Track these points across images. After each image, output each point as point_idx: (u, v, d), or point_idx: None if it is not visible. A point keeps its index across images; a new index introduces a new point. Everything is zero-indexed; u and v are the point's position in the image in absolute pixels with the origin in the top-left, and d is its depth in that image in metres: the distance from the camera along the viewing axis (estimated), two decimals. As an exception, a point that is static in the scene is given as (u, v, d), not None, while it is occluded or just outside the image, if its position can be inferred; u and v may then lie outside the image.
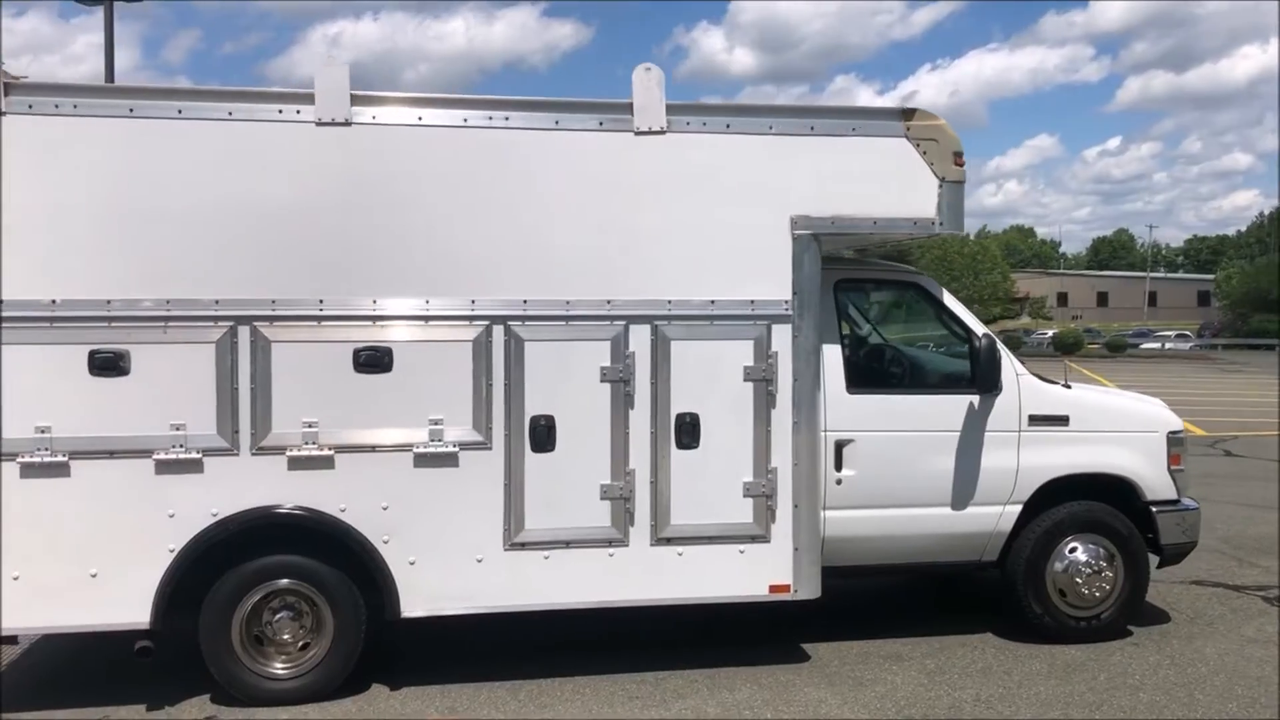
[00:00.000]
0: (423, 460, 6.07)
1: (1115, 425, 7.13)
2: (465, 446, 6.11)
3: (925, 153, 6.48)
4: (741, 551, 6.40)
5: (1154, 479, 7.11)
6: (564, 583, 6.24)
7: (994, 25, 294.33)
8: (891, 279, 7.31)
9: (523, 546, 6.18)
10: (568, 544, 6.23)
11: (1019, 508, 6.93)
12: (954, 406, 6.82)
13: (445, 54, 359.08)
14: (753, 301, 6.35)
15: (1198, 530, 7.37)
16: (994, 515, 6.90)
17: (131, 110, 5.80)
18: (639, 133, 6.22)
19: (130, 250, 5.81)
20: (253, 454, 5.92)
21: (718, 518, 6.36)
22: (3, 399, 5.70)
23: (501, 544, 6.16)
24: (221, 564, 6.00)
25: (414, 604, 6.11)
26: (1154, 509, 7.13)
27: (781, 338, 6.38)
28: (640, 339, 6.26)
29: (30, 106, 5.70)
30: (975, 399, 6.85)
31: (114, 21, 25.23)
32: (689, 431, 6.30)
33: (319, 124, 5.94)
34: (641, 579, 6.31)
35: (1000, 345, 6.89)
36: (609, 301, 6.22)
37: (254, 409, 5.92)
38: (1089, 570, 6.98)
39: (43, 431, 5.73)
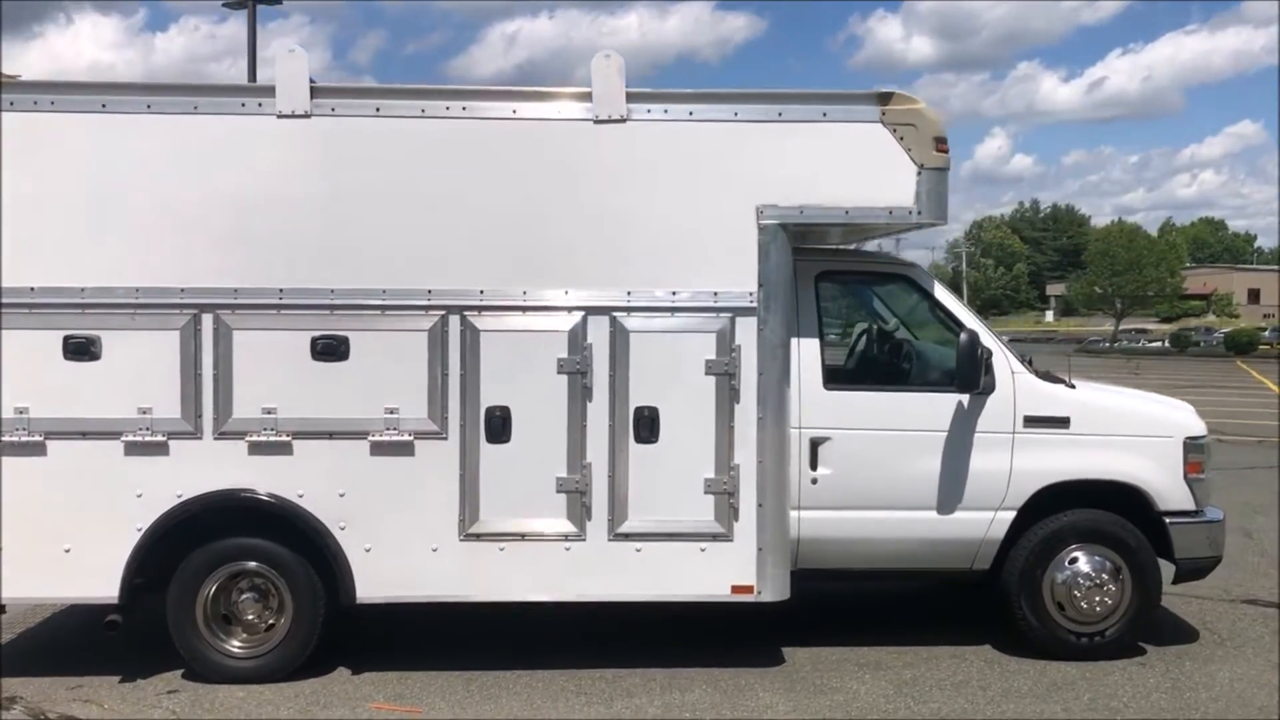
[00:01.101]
0: (379, 449, 6.13)
1: (1123, 429, 6.64)
2: (421, 436, 6.14)
3: (902, 139, 6.17)
4: (703, 550, 6.24)
5: (1167, 487, 6.60)
6: (519, 576, 6.21)
7: (1192, 6, 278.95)
8: (878, 271, 7.00)
9: (478, 538, 6.18)
10: (523, 537, 6.19)
11: (1012, 514, 6.54)
12: (940, 405, 6.48)
13: (618, 49, 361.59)
14: (716, 293, 6.18)
15: (1221, 544, 6.83)
16: (984, 521, 6.53)
17: (104, 105, 6.03)
18: (599, 121, 6.13)
19: (103, 240, 6.05)
20: (215, 438, 6.09)
21: (677, 515, 6.22)
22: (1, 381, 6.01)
23: (457, 534, 6.16)
24: (188, 544, 6.19)
25: (369, 590, 6.18)
26: (1168, 520, 6.62)
27: (746, 331, 6.19)
28: (599, 330, 6.17)
29: (12, 104, 5.99)
30: (964, 398, 6.50)
31: (256, 24, 26.53)
32: (647, 425, 6.17)
33: (279, 116, 6.05)
34: (599, 575, 6.22)
35: (997, 342, 6.54)
36: (566, 292, 6.15)
37: (216, 394, 6.08)
38: (1089, 583, 6.53)
39: (21, 412, 6.02)
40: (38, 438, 6.03)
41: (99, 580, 6.06)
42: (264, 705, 5.88)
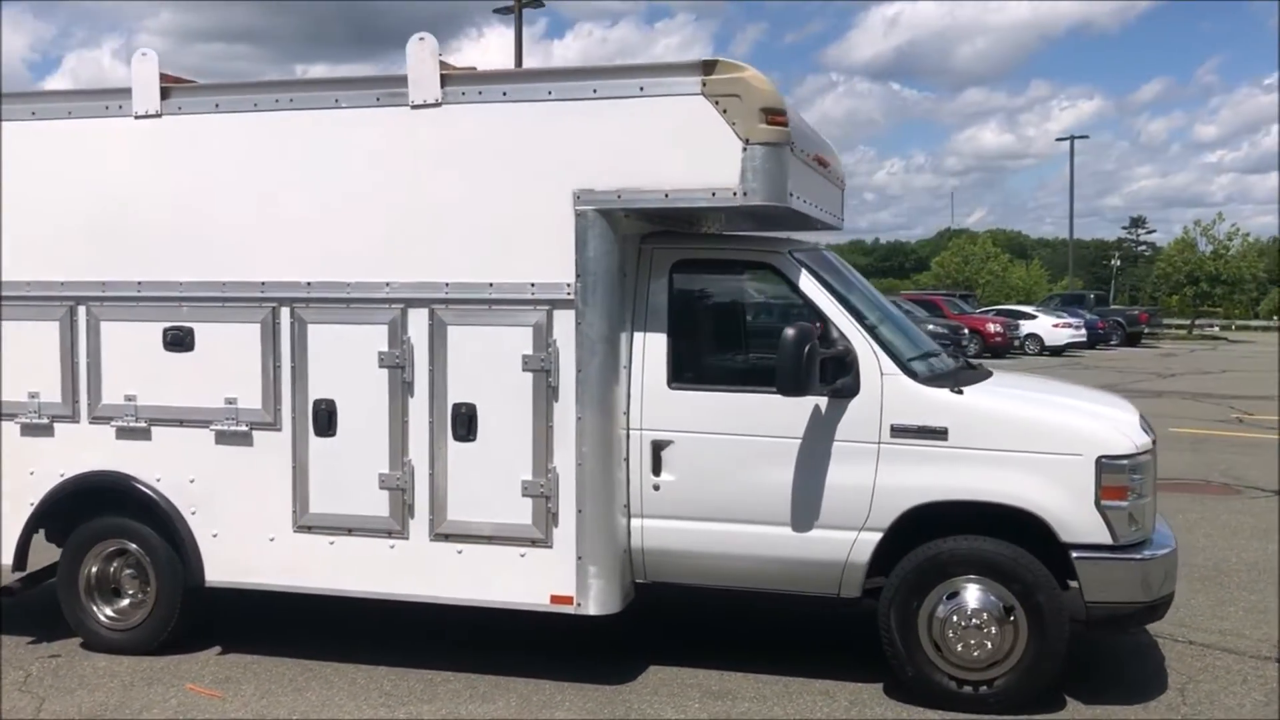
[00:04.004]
0: (222, 438, 6.29)
1: (1013, 443, 5.58)
2: (257, 426, 6.24)
3: (725, 111, 5.52)
4: (522, 555, 5.92)
5: (1070, 514, 5.49)
6: (347, 569, 6.17)
7: None
8: (740, 259, 6.25)
9: (309, 529, 6.20)
10: (350, 531, 6.15)
11: (877, 536, 5.69)
12: (794, 409, 5.71)
13: (1005, 24, 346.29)
14: (533, 284, 5.82)
15: (1159, 587, 5.61)
16: (844, 543, 5.73)
17: (33, 114, 6.50)
18: (415, 106, 5.93)
19: (11, 238, 6.57)
20: (90, 422, 6.49)
21: (496, 517, 5.93)
22: None
23: (291, 525, 6.22)
24: (74, 520, 6.64)
25: (217, 574, 6.37)
26: (1073, 554, 5.51)
27: (564, 324, 5.79)
28: (418, 324, 5.99)
29: None
30: (822, 401, 5.72)
31: (523, 25, 27.75)
32: (465, 423, 5.93)
33: (136, 117, 6.33)
34: (421, 574, 6.07)
35: (865, 338, 5.70)
36: (387, 284, 6.02)
37: (89, 381, 6.48)
38: (966, 623, 5.57)
39: None
40: (-43, 418, 6.67)
41: (5, 549, 6.63)
42: (113, 675, 6.19)
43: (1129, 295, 79.27)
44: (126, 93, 6.33)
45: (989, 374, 6.49)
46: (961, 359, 6.72)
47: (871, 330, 5.83)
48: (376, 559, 6.11)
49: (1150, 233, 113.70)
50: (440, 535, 6.01)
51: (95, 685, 6.06)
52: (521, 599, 5.96)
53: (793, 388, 5.44)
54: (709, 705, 5.76)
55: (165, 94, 6.28)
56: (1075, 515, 5.49)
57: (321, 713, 5.70)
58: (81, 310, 6.47)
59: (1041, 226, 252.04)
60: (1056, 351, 37.39)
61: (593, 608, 5.85)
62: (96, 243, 6.41)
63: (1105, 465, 5.47)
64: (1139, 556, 5.54)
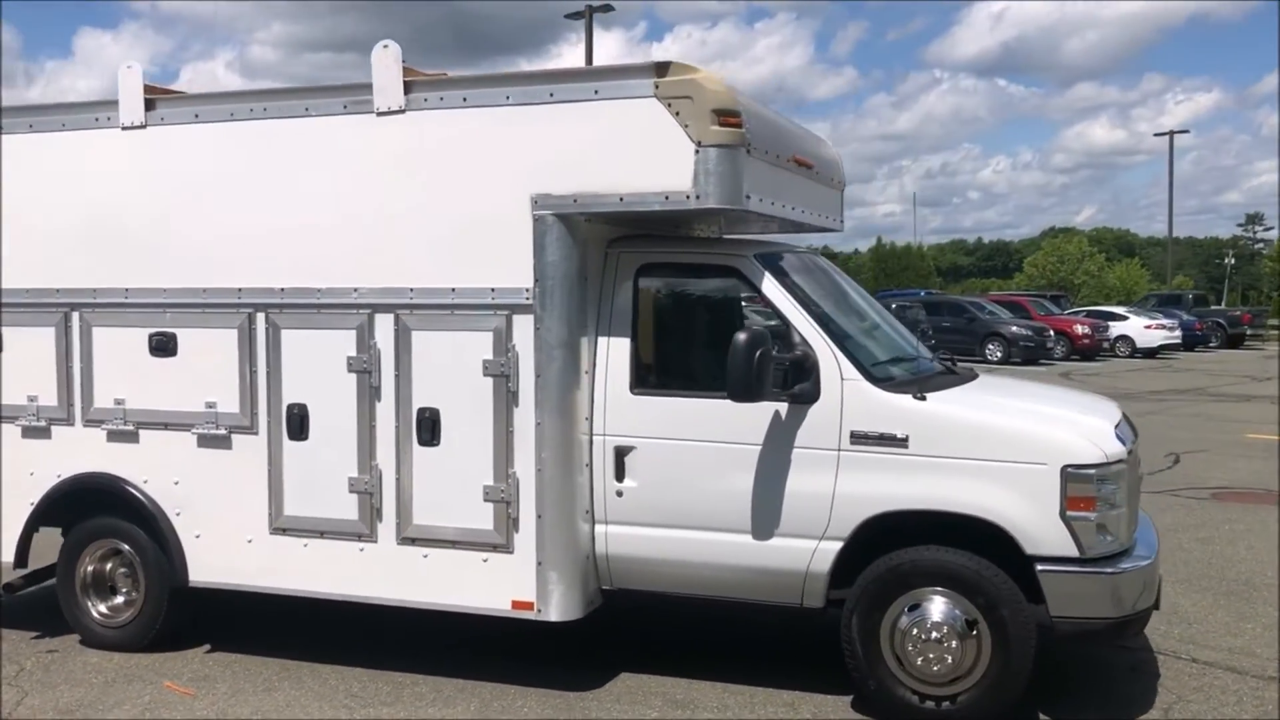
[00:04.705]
0: (203, 441, 6.43)
1: (975, 451, 5.39)
2: (235, 430, 6.35)
3: (678, 114, 5.45)
4: (485, 560, 5.92)
5: (1035, 525, 5.29)
6: (319, 571, 6.25)
7: None
8: (704, 263, 6.14)
9: (284, 531, 6.29)
10: (322, 534, 6.22)
11: (837, 545, 5.55)
12: (754, 415, 5.61)
13: (1118, 17, 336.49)
14: (493, 290, 5.82)
15: (1130, 601, 5.37)
16: (805, 551, 5.60)
17: (30, 126, 6.74)
18: (380, 113, 5.98)
19: (11, 246, 6.80)
20: (84, 425, 6.69)
21: (459, 521, 5.95)
22: None
23: (267, 527, 6.32)
24: (71, 519, 6.84)
25: (199, 575, 6.50)
26: (1038, 567, 5.31)
27: (523, 330, 5.78)
28: (385, 329, 6.04)
29: None
30: (782, 407, 5.61)
31: (593, 29, 27.86)
32: (429, 428, 5.96)
33: (123, 128, 6.50)
34: (389, 578, 6.11)
35: (827, 343, 5.57)
36: (355, 290, 6.08)
37: (83, 385, 6.67)
38: (927, 636, 5.40)
39: None
40: (-35, 420, 6.94)
41: (6, 546, 6.87)
42: (100, 672, 6.37)
43: (1242, 295, 76.32)
44: (114, 104, 6.51)
45: (970, 379, 6.31)
46: (944, 364, 6.51)
47: (835, 334, 5.69)
48: (347, 562, 6.17)
49: (1268, 230, 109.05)
50: (406, 539, 6.05)
51: (79, 681, 6.24)
52: (484, 604, 5.96)
53: (743, 393, 5.34)
54: (668, 713, 5.70)
55: (150, 105, 6.44)
56: (1039, 526, 5.29)
57: (284, 712, 5.78)
58: (75, 316, 6.67)
59: (1153, 225, 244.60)
60: (1149, 354, 36.19)
61: (553, 614, 5.82)
62: (88, 250, 6.60)
63: (1071, 475, 5.26)
64: (1109, 570, 5.31)
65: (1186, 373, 29.38)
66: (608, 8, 29.20)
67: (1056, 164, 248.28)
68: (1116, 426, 5.65)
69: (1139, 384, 25.54)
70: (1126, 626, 5.45)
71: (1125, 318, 37.87)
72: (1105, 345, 35.67)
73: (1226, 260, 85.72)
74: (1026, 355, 31.62)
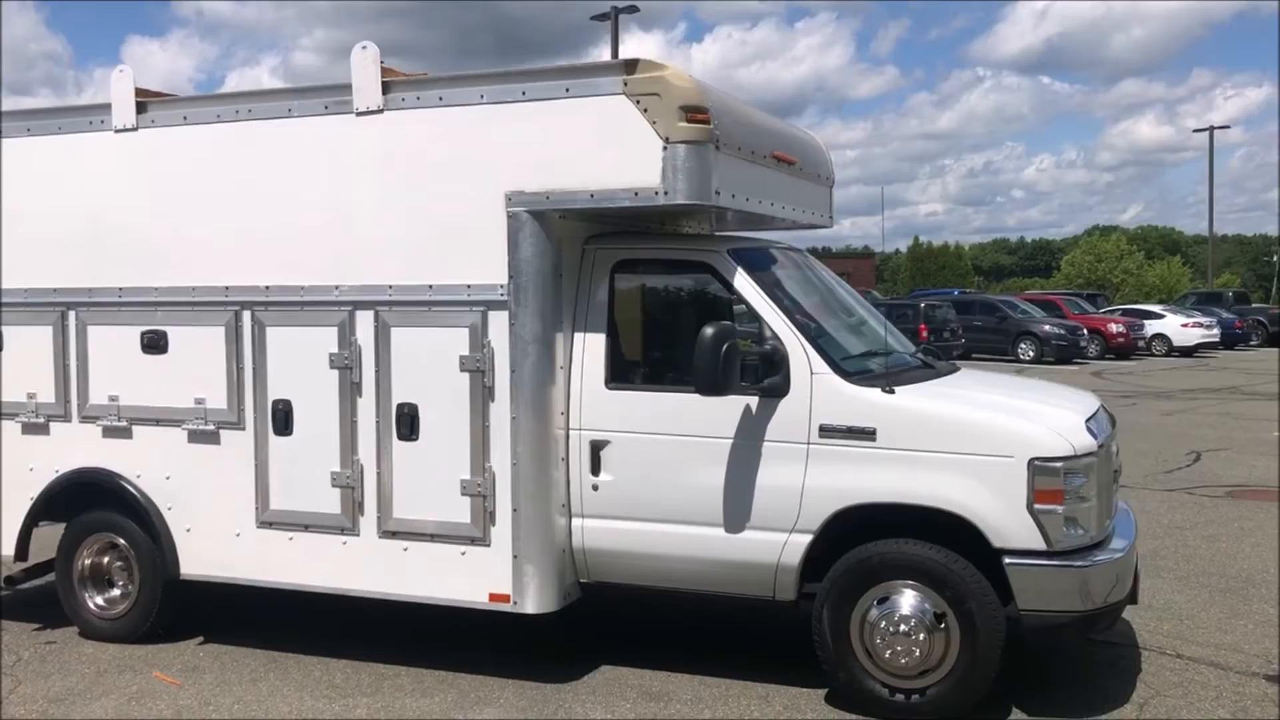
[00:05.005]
0: (193, 436, 6.56)
1: (941, 444, 5.39)
2: (223, 426, 6.48)
3: (646, 110, 5.50)
4: (463, 554, 6.00)
5: (1001, 518, 5.28)
6: (304, 565, 6.36)
7: None
8: (678, 258, 6.17)
9: (270, 525, 6.41)
10: (306, 527, 6.33)
11: (807, 538, 5.58)
12: (726, 409, 5.65)
13: (1165, 12, 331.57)
14: (469, 286, 5.91)
15: (1100, 595, 5.35)
16: (776, 544, 5.63)
17: (28, 130, 6.92)
18: (359, 113, 6.09)
19: (12, 246, 6.97)
20: (80, 421, 6.85)
21: (437, 515, 6.03)
22: None
23: (254, 521, 6.44)
24: (69, 513, 7.01)
25: (191, 568, 6.64)
26: (1005, 560, 5.31)
27: (498, 325, 5.85)
28: (365, 326, 6.14)
29: None
30: (753, 401, 5.65)
31: (630, 32, 27.93)
32: (408, 423, 6.05)
33: (116, 131, 6.65)
34: (371, 570, 6.21)
35: (797, 336, 5.59)
36: (336, 288, 6.19)
37: (79, 382, 6.83)
38: (895, 628, 5.41)
39: None
40: (-33, 417, 7.12)
41: (3, 539, 7.05)
42: (94, 662, 6.51)
43: (1290, 293, 74.89)
44: (108, 108, 6.66)
45: (949, 373, 6.31)
46: (919, 358, 6.50)
47: (806, 328, 5.71)
48: (330, 555, 6.28)
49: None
50: (387, 532, 6.14)
51: (71, 671, 6.39)
52: (462, 597, 6.05)
53: (709, 386, 5.39)
54: (641, 706, 5.74)
55: (142, 108, 6.58)
56: (1006, 519, 5.29)
57: (266, 703, 5.89)
58: (72, 315, 6.83)
59: (1200, 223, 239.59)
60: (1186, 352, 35.70)
61: (529, 606, 5.89)
62: (85, 251, 6.76)
63: (1038, 468, 5.25)
64: (1078, 564, 5.30)
65: (1222, 371, 28.99)
66: (633, 9, 29.45)
67: (1102, 162, 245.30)
68: (1089, 419, 5.64)
69: (1171, 382, 25.25)
70: (1096, 620, 5.43)
71: (1161, 316, 37.40)
72: (1141, 344, 35.26)
73: (1275, 258, 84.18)
74: (1059, 354, 31.36)
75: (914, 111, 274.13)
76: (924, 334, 28.23)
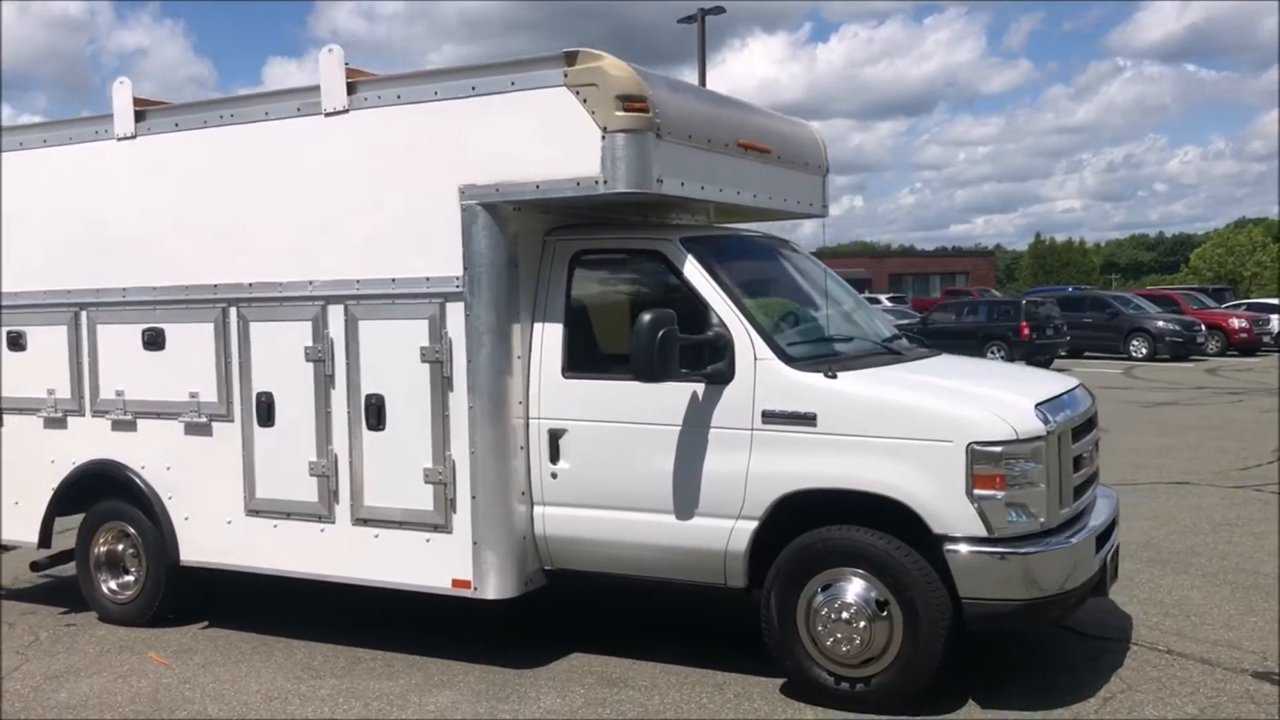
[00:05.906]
0: (189, 428, 6.87)
1: (880, 429, 5.29)
2: (214, 418, 6.77)
3: (585, 101, 5.56)
4: (427, 540, 6.14)
5: (940, 504, 5.17)
6: (287, 551, 6.59)
7: None
8: (633, 248, 6.16)
9: (257, 513, 6.66)
10: (288, 515, 6.56)
11: (753, 524, 5.54)
12: (674, 396, 5.66)
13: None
14: (428, 279, 6.05)
15: (1048, 583, 5.19)
16: (723, 531, 5.62)
17: (21, 144, 7.40)
18: (327, 114, 6.29)
19: (14, 253, 7.43)
20: (92, 415, 7.23)
21: (404, 503, 6.19)
22: None
23: (243, 509, 6.70)
24: (87, 502, 7.40)
25: (189, 555, 6.94)
26: (945, 547, 5.19)
27: (455, 317, 5.98)
28: (337, 319, 6.34)
29: None
30: (699, 388, 5.65)
31: (705, 35, 27.93)
32: (375, 413, 6.23)
33: (118, 140, 7.01)
34: (346, 557, 6.40)
35: (743, 323, 5.57)
36: (310, 283, 6.40)
37: (91, 377, 7.22)
38: (836, 617, 5.34)
39: None
40: (-7, 413, 7.59)
41: (29, 528, 7.48)
42: (100, 643, 6.87)
43: None
44: (110, 118, 7.02)
45: (916, 358, 6.21)
46: (887, 345, 6.37)
47: (752, 315, 5.68)
48: (310, 542, 6.49)
49: None
50: (360, 520, 6.33)
51: (76, 651, 6.75)
52: (427, 582, 6.19)
53: (645, 373, 5.41)
54: (595, 692, 5.79)
55: (140, 117, 6.92)
56: (946, 505, 5.18)
57: (241, 683, 6.12)
58: (83, 315, 7.22)
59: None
60: (1317, 349, 33.89)
61: (490, 592, 6.00)
62: (93, 253, 7.15)
63: (976, 453, 5.13)
64: (1021, 550, 5.15)
65: (1346, 367, 27.45)
66: (719, 9, 29.37)
67: (1252, 151, 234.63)
68: (1043, 404, 5.46)
69: (1287, 379, 24.03)
70: (1044, 609, 5.27)
71: (1290, 311, 35.59)
72: (1267, 339, 33.63)
73: None
74: (1174, 351, 30.11)
75: (1049, 105, 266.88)
76: (1025, 332, 27.52)
